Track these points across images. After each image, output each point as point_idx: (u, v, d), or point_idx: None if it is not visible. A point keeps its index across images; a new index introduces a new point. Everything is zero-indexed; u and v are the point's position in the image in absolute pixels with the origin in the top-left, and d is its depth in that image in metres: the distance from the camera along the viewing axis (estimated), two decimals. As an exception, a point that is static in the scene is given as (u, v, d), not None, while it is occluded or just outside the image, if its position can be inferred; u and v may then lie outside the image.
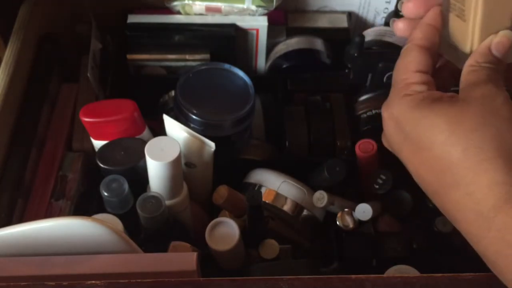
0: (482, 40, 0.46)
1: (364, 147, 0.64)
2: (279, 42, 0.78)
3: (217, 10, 0.73)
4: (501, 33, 0.45)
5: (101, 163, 0.58)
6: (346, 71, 0.74)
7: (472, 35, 0.46)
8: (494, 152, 0.41)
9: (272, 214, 0.64)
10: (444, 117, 0.43)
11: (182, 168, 0.59)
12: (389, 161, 0.65)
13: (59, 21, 0.77)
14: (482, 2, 0.44)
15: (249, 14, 0.74)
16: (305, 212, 0.65)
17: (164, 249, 0.54)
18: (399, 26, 0.51)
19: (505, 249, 0.39)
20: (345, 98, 0.73)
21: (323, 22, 0.80)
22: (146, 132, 0.62)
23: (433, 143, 0.43)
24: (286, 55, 0.77)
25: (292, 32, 0.78)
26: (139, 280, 0.43)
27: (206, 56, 0.74)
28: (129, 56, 0.74)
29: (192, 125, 0.63)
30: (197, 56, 0.74)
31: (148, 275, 0.45)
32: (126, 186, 0.55)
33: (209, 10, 0.73)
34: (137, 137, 0.60)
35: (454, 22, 0.47)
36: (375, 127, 0.70)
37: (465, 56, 0.47)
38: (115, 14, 0.77)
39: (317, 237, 0.66)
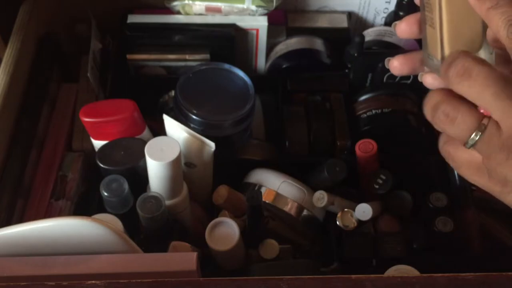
0: (451, 44, 0.43)
1: (364, 147, 0.64)
2: (279, 42, 0.78)
3: (217, 10, 0.73)
4: None
5: (101, 163, 0.58)
6: (346, 71, 0.74)
7: (441, 41, 0.45)
8: None
9: (272, 214, 0.63)
10: None
11: (182, 168, 0.59)
12: (389, 161, 0.66)
13: (59, 21, 0.77)
14: (445, 6, 0.42)
15: (249, 14, 0.74)
16: (305, 212, 0.65)
17: (164, 249, 0.54)
18: (402, 28, 0.46)
19: None
20: (345, 98, 0.73)
21: (323, 22, 0.80)
22: (146, 132, 0.62)
23: None
24: (286, 55, 0.77)
25: (292, 32, 0.78)
26: (139, 280, 0.43)
27: (206, 56, 0.74)
28: (129, 56, 0.74)
29: (192, 125, 0.63)
30: (197, 56, 0.74)
31: (148, 275, 0.45)
32: (126, 186, 0.55)
33: (209, 10, 0.73)
34: (137, 137, 0.60)
35: (428, 32, 0.47)
36: (375, 127, 0.70)
37: (439, 63, 0.46)
38: (115, 14, 0.77)
39: (317, 237, 0.66)
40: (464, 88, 0.38)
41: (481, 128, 0.38)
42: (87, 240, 0.47)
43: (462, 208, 0.64)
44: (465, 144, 0.39)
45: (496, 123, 0.38)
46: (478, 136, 0.38)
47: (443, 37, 0.44)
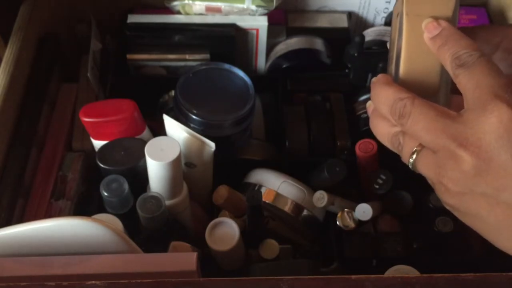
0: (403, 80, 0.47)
1: (364, 147, 0.64)
2: (279, 42, 0.78)
3: (217, 10, 0.73)
4: None
5: (101, 163, 0.58)
6: (346, 71, 0.74)
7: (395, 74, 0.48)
8: None
9: (272, 214, 0.64)
10: None
11: (182, 168, 0.59)
12: (389, 161, 0.66)
13: (59, 21, 0.77)
14: (404, 46, 0.46)
15: (249, 14, 0.74)
16: (305, 212, 0.65)
17: (164, 249, 0.54)
18: None
19: None
20: (345, 98, 0.73)
21: (323, 22, 0.80)
22: (146, 132, 0.62)
23: None
24: (286, 55, 0.77)
25: (292, 32, 0.78)
26: (139, 280, 0.43)
27: (206, 56, 0.74)
28: (129, 56, 0.74)
29: (192, 125, 0.63)
30: (197, 56, 0.74)
31: (148, 275, 0.45)
32: (126, 186, 0.55)
33: (209, 10, 0.73)
34: (137, 137, 0.60)
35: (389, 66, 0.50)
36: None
37: None
38: (115, 14, 0.77)
39: (317, 237, 0.66)
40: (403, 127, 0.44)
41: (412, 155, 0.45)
42: (87, 240, 0.47)
43: (462, 208, 0.64)
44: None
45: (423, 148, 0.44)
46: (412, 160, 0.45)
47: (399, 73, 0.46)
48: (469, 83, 0.42)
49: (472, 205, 0.41)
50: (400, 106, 0.44)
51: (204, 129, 0.63)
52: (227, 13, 0.73)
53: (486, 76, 0.41)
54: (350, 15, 0.81)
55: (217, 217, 0.60)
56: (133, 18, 0.74)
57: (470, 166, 0.39)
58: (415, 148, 0.44)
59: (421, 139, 0.43)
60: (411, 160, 0.45)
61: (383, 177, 0.62)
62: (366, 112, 0.70)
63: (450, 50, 0.43)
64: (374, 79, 0.48)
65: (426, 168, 0.44)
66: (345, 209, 0.61)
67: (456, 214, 0.44)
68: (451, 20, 0.46)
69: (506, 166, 0.38)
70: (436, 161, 0.42)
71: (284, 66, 0.77)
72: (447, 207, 0.44)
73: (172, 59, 0.74)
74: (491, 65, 0.42)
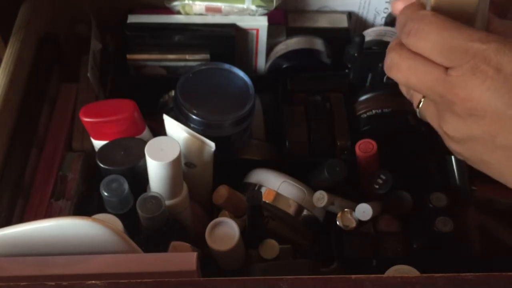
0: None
1: (364, 147, 0.64)
2: (279, 42, 0.78)
3: (217, 10, 0.73)
4: None
5: (101, 163, 0.58)
6: (346, 71, 0.74)
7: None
8: None
9: (272, 214, 0.64)
10: None
11: (182, 168, 0.59)
12: (389, 161, 0.66)
13: (59, 21, 0.77)
14: None
15: (249, 14, 0.74)
16: (305, 212, 0.65)
17: (164, 249, 0.54)
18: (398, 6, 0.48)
19: None
20: (345, 98, 0.73)
21: (323, 22, 0.80)
22: (146, 132, 0.62)
23: None
24: (286, 55, 0.77)
25: (292, 32, 0.78)
26: (139, 280, 0.43)
27: (206, 56, 0.74)
28: (129, 56, 0.74)
29: (192, 125, 0.63)
30: (197, 56, 0.74)
31: (148, 275, 0.45)
32: (126, 186, 0.55)
33: (209, 10, 0.73)
34: (137, 137, 0.60)
35: None
36: (374, 127, 0.70)
37: None
38: (115, 14, 0.77)
39: (317, 237, 0.66)
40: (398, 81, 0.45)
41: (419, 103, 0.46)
42: (87, 240, 0.47)
43: (462, 208, 0.64)
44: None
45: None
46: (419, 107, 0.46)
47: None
48: (432, 47, 0.41)
49: (474, 151, 0.43)
50: (388, 59, 0.44)
51: (204, 129, 0.63)
52: (227, 13, 0.73)
53: (445, 34, 0.40)
54: (350, 15, 0.81)
55: (217, 217, 0.60)
56: (133, 18, 0.74)
57: (465, 116, 0.41)
58: (421, 98, 0.46)
59: (418, 91, 0.45)
60: (417, 109, 0.46)
61: (383, 177, 0.62)
62: (366, 112, 0.71)
63: (399, 22, 0.43)
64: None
65: (430, 117, 0.45)
66: (345, 209, 0.61)
67: (466, 161, 0.45)
68: None
69: (498, 112, 0.40)
70: (437, 111, 0.44)
71: (284, 66, 0.77)
72: (457, 156, 0.45)
73: (172, 59, 0.74)
74: (443, 21, 0.41)
